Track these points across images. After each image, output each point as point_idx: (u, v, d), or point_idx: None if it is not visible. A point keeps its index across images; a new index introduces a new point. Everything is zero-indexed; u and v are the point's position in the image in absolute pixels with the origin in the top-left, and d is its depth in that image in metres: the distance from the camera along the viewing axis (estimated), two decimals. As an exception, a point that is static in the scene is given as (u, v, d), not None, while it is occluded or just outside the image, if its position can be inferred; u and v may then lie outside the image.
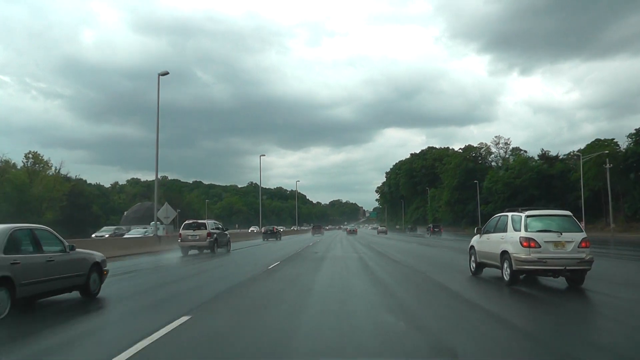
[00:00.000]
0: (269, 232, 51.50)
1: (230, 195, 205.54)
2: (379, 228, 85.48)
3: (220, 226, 27.78)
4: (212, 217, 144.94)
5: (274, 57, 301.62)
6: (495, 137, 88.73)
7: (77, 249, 9.30)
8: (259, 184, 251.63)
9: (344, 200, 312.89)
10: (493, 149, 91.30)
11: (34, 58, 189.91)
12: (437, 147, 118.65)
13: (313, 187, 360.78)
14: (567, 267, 9.94)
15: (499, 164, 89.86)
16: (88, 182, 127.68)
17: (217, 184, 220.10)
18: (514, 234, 10.44)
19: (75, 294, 9.32)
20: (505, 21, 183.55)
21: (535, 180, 72.58)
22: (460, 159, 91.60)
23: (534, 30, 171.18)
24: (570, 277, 10.48)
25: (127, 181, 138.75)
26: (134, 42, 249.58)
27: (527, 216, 10.41)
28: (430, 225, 74.04)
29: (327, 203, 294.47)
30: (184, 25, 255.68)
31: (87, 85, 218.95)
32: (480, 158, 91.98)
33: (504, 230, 10.96)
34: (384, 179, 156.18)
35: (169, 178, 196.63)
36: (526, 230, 10.16)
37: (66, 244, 9.08)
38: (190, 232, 24.61)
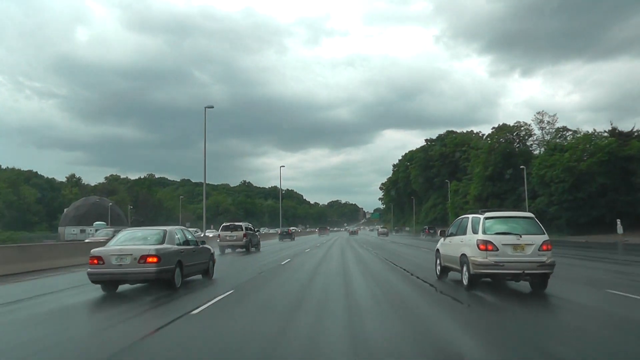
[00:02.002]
0: (284, 233, 55.66)
1: (218, 193, 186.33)
2: (380, 230, 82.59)
3: (252, 228, 31.00)
4: (189, 217, 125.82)
5: (272, 56, 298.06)
6: (538, 113, 68.20)
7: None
8: (252, 183, 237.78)
9: (343, 201, 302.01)
10: (535, 130, 71.11)
11: (26, 56, 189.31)
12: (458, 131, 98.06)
13: (312, 188, 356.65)
14: (526, 271, 9.58)
15: (541, 149, 69.83)
16: (39, 173, 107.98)
17: (209, 183, 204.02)
18: (472, 236, 10.11)
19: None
20: (507, 20, 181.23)
21: (605, 164, 52.69)
22: (494, 141, 71.52)
23: (536, 30, 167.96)
24: (531, 282, 10.13)
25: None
26: (129, 41, 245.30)
27: (486, 218, 10.11)
28: (426, 226, 72.59)
29: (326, 204, 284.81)
30: (180, 23, 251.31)
31: (82, 85, 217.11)
32: (517, 141, 71.67)
33: (465, 232, 10.67)
34: (384, 180, 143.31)
35: (157, 176, 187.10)
36: (484, 232, 9.84)
37: (197, 240, 13.07)
38: (228, 233, 27.89)
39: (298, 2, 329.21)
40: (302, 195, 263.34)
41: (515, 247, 9.56)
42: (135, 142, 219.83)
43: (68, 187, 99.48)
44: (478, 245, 9.68)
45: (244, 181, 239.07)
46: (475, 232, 10.04)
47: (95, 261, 10.08)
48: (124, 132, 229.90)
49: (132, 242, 10.87)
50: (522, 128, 70.77)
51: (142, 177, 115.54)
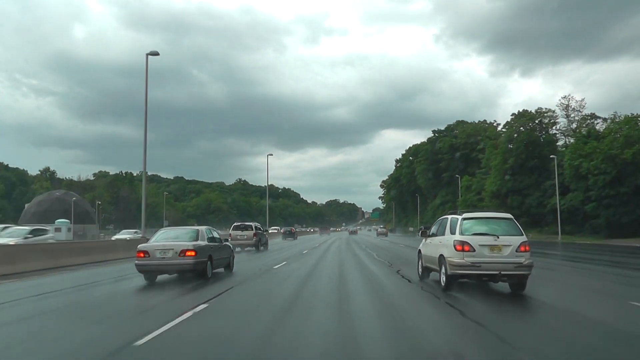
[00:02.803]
0: (287, 233, 58.09)
1: (210, 191, 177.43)
2: (379, 230, 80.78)
3: (261, 228, 32.08)
4: (175, 215, 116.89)
5: (271, 55, 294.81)
6: (563, 97, 59.38)
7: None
8: (248, 182, 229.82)
9: (341, 201, 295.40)
10: (559, 117, 62.18)
11: (23, 53, 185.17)
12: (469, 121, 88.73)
13: (310, 188, 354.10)
14: (503, 272, 9.41)
15: (568, 139, 61.06)
16: (10, 165, 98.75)
17: (203, 180, 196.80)
18: (450, 237, 10.03)
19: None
20: (507, 20, 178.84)
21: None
22: (513, 130, 62.69)
23: (536, 30, 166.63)
24: (510, 283, 9.97)
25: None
26: (127, 39, 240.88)
27: (464, 219, 10.04)
28: (422, 226, 64.45)
29: (324, 203, 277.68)
30: (178, 20, 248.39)
31: (79, 83, 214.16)
32: (539, 129, 62.72)
33: (444, 233, 10.59)
34: (384, 179, 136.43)
35: (150, 174, 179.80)
36: (461, 233, 9.74)
37: (221, 238, 14.82)
38: (239, 232, 29.04)
39: (297, 0, 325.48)
40: (299, 194, 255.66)
41: (492, 248, 9.50)
42: (132, 140, 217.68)
43: (39, 181, 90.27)
44: (455, 246, 9.65)
45: (240, 179, 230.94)
46: (453, 232, 10.01)
47: (142, 254, 12.07)
48: (122, 131, 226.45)
49: (170, 239, 12.77)
50: (546, 114, 61.84)
51: (122, 172, 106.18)
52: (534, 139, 59.86)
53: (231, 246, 15.63)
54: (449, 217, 10.76)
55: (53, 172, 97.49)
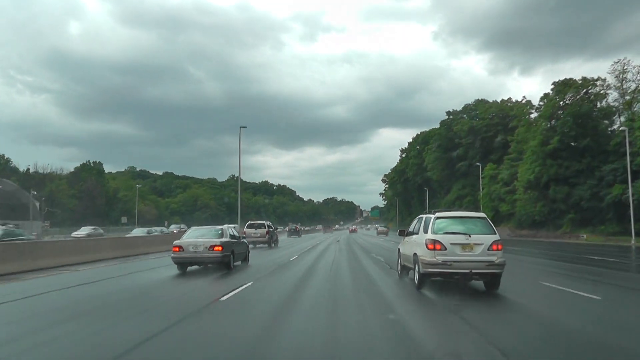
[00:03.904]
0: (292, 231, 61.67)
1: (199, 187, 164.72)
2: (379, 228, 76.46)
3: (272, 226, 34.09)
4: (151, 212, 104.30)
5: (268, 52, 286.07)
6: (616, 61, 46.62)
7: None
8: (245, 180, 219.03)
9: (339, 199, 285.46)
10: (612, 87, 49.06)
11: (17, 50, 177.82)
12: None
13: (307, 187, 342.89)
14: (474, 271, 9.46)
15: (622, 112, 48.21)
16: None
17: (194, 176, 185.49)
18: (423, 236, 10.13)
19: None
20: (507, 17, 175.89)
21: None
22: (556, 103, 49.82)
23: (536, 27, 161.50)
24: (484, 281, 10.09)
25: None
26: (123, 35, 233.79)
27: (437, 217, 10.08)
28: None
29: (321, 201, 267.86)
30: (174, 17, 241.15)
31: (75, 80, 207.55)
32: (587, 102, 49.59)
33: (419, 232, 10.72)
34: (384, 174, 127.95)
35: (138, 169, 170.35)
36: (433, 232, 9.79)
37: (239, 235, 17.85)
38: (253, 230, 30.96)
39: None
40: (295, 192, 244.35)
41: (463, 246, 9.49)
42: (129, 138, 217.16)
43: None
44: (427, 245, 9.66)
45: (232, 176, 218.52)
46: (426, 231, 10.03)
47: (177, 249, 14.48)
48: (118, 129, 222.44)
49: (200, 236, 15.33)
50: (597, 83, 48.83)
51: (89, 161, 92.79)
52: (585, 112, 46.87)
53: (247, 243, 18.81)
54: (424, 216, 10.93)
55: (7, 160, 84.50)
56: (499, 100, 70.06)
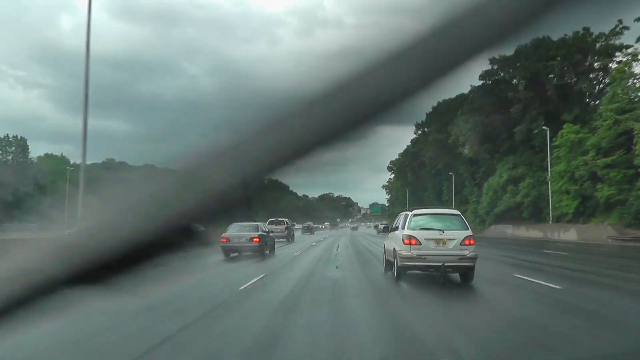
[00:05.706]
0: (306, 228, 65.23)
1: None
2: (379, 226, 61.37)
3: (289, 222, 39.22)
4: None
5: (263, 46, 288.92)
6: None
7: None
8: None
9: (335, 195, 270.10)
10: None
11: (8, 43, 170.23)
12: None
13: (302, 183, 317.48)
14: (446, 264, 10.05)
15: None
16: None
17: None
18: (401, 231, 10.84)
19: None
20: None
21: None
22: None
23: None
24: (459, 274, 10.75)
25: None
26: (116, 30, 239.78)
27: (414, 215, 10.88)
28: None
29: (317, 197, 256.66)
30: (168, 11, 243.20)
31: (67, 75, 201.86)
32: None
33: (399, 228, 11.38)
34: (379, 177, 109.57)
35: (117, 161, 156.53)
36: (410, 228, 10.54)
37: (268, 230, 21.95)
38: (273, 226, 31.86)
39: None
40: (287, 187, 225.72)
41: (437, 241, 10.21)
42: (123, 134, 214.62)
43: None
44: (403, 240, 10.40)
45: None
46: (404, 227, 10.74)
47: (224, 240, 18.18)
48: (113, 125, 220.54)
49: (241, 230, 18.67)
50: None
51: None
52: None
53: (273, 236, 23.31)
54: (404, 213, 11.74)
55: None
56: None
